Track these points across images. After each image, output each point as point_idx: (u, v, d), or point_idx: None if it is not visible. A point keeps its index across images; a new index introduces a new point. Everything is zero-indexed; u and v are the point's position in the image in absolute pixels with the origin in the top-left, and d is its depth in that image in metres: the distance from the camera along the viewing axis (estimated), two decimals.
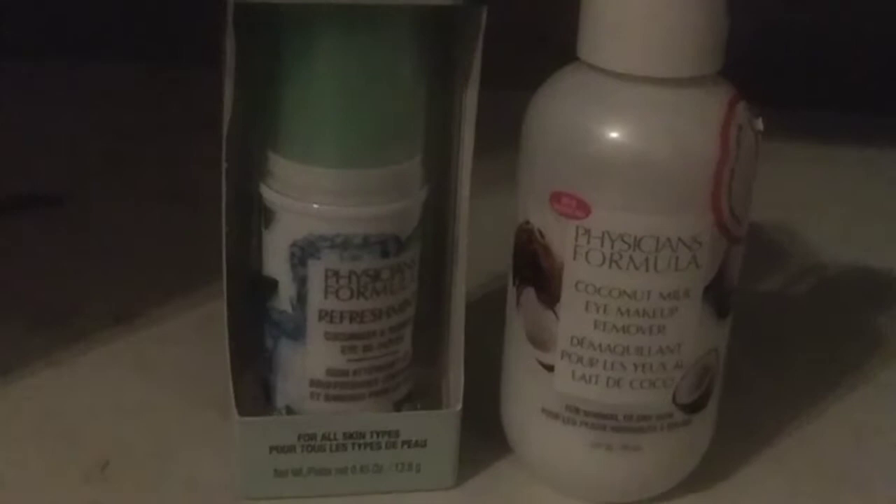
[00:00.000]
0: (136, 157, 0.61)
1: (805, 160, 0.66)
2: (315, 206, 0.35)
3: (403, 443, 0.37)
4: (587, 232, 0.35)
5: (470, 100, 0.36)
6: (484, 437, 0.39)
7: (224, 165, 0.35)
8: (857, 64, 0.72)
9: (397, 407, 0.39)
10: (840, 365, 0.47)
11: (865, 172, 0.66)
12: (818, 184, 0.64)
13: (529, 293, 0.37)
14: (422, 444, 0.38)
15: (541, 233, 0.36)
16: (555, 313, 0.36)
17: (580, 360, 0.36)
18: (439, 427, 0.38)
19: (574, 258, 0.35)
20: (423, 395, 0.40)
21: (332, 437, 0.37)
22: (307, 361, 0.37)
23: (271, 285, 0.37)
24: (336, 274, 0.36)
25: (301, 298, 0.36)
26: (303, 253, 0.36)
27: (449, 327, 0.39)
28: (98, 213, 0.55)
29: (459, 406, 0.37)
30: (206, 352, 0.41)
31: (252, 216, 0.38)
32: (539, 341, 0.37)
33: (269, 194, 0.36)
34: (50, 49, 0.69)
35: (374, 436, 0.37)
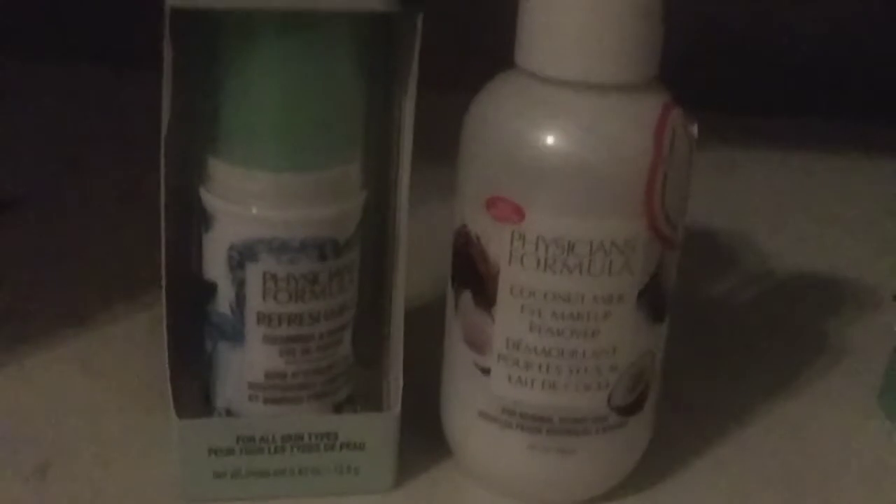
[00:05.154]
0: (92, 159, 0.61)
1: (759, 168, 0.66)
2: (253, 210, 0.36)
3: (342, 445, 0.38)
4: (522, 236, 0.35)
5: (408, 106, 0.36)
6: (425, 440, 0.40)
7: (162, 169, 0.35)
8: (814, 72, 0.72)
9: (337, 410, 0.39)
10: (784, 370, 0.47)
11: (820, 180, 0.66)
12: (772, 191, 0.64)
13: (467, 296, 0.37)
14: (360, 447, 0.38)
15: (477, 237, 0.36)
16: (491, 317, 0.36)
17: (516, 363, 0.36)
18: (378, 429, 0.38)
19: (509, 262, 0.35)
20: (365, 399, 0.40)
21: (270, 439, 0.37)
22: (245, 364, 0.37)
23: (210, 288, 0.37)
24: (274, 277, 0.36)
25: (239, 301, 0.37)
26: (241, 256, 0.36)
27: (389, 329, 0.39)
28: (50, 216, 0.55)
29: (398, 409, 0.38)
30: (153, 354, 0.41)
31: (194, 219, 0.38)
32: (476, 344, 0.37)
33: (208, 198, 0.36)
34: (7, 49, 0.69)
35: (313, 438, 0.37)
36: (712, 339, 0.49)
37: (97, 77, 0.69)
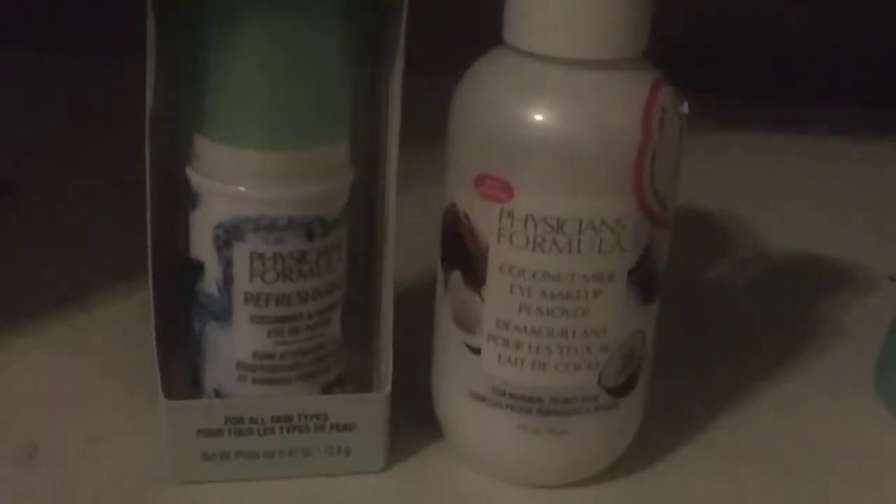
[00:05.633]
0: (84, 143, 0.61)
1: (752, 151, 0.66)
2: (240, 188, 0.35)
3: (332, 426, 0.37)
4: (511, 214, 0.35)
5: (395, 84, 0.36)
6: (416, 421, 0.39)
7: (147, 148, 0.35)
8: (811, 57, 0.72)
9: (327, 390, 0.39)
10: (778, 352, 0.47)
11: (813, 162, 0.66)
12: (766, 174, 0.64)
13: (456, 276, 0.37)
14: (351, 428, 0.38)
15: (466, 215, 0.36)
16: (480, 296, 0.36)
17: (506, 343, 0.36)
18: (368, 410, 0.38)
19: (498, 241, 0.35)
20: (356, 379, 0.40)
21: (259, 420, 0.37)
22: (234, 344, 0.37)
23: (197, 268, 0.37)
24: (261, 256, 0.36)
25: (227, 281, 0.36)
26: (228, 235, 0.36)
27: (379, 311, 0.39)
28: (39, 200, 0.55)
29: (388, 389, 0.37)
30: (143, 337, 0.41)
31: (181, 199, 0.38)
32: (466, 324, 0.37)
33: (195, 177, 0.36)
34: (5, 38, 0.69)
35: (303, 419, 0.37)
36: (705, 322, 0.49)
37: (92, 64, 0.68)
